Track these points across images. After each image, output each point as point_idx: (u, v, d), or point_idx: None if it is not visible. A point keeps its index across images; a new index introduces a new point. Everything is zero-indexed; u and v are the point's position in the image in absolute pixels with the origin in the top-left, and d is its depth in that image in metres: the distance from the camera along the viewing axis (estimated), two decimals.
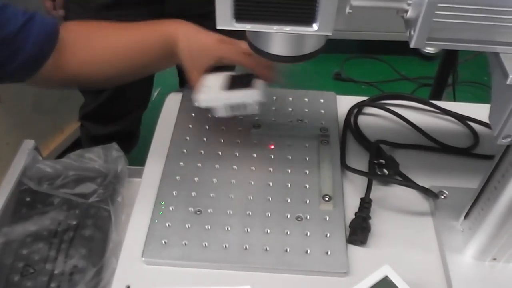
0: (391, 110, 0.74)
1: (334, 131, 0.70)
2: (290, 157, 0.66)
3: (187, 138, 0.69)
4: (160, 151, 0.67)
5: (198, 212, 0.59)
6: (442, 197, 0.61)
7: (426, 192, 0.61)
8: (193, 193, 0.61)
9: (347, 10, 0.44)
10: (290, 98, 0.75)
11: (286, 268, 0.54)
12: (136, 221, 0.59)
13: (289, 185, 0.63)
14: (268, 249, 0.56)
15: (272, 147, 0.68)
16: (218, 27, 0.44)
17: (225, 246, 0.56)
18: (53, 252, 0.60)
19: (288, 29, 0.44)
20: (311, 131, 0.70)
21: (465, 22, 0.41)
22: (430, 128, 0.72)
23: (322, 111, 0.74)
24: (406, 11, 0.43)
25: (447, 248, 0.56)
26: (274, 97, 0.75)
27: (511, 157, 0.48)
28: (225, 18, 0.43)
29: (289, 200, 0.61)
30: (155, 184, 0.63)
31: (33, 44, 0.56)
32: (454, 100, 1.46)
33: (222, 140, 0.68)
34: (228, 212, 0.59)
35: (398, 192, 0.63)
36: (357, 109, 0.75)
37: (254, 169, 0.65)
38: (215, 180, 0.63)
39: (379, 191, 0.63)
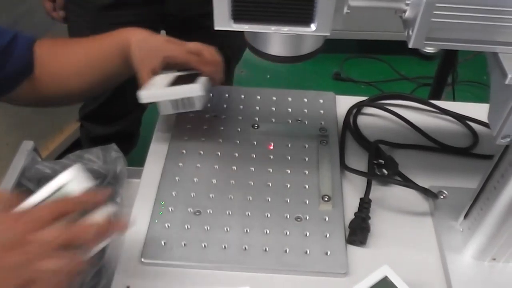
0: (391, 110, 0.74)
1: (333, 131, 0.70)
2: (289, 158, 0.66)
3: (186, 138, 0.69)
4: (160, 151, 0.67)
5: (197, 213, 0.59)
6: (442, 197, 0.61)
7: (426, 192, 0.61)
8: (192, 194, 0.61)
9: (345, 10, 0.44)
10: (289, 99, 0.75)
11: (286, 269, 0.54)
12: (136, 222, 0.59)
13: (289, 185, 0.63)
14: (267, 249, 0.56)
15: (271, 147, 0.68)
16: (216, 28, 0.44)
17: (225, 246, 0.56)
18: None
19: (286, 29, 0.44)
20: (311, 131, 0.70)
21: (464, 22, 0.41)
22: (430, 128, 0.72)
23: (321, 111, 0.74)
24: (404, 11, 0.43)
25: (446, 248, 0.56)
26: (274, 98, 0.75)
27: (510, 157, 0.48)
28: (223, 19, 0.43)
29: (288, 201, 0.61)
30: (154, 185, 0.63)
31: (19, 59, 0.60)
32: (454, 99, 1.46)
33: (221, 141, 0.68)
34: (227, 212, 0.59)
35: (397, 192, 0.63)
36: (356, 109, 0.75)
37: (253, 169, 0.65)
38: (214, 181, 0.63)
39: (378, 191, 0.63)
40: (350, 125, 0.72)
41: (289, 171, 0.64)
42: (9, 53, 0.60)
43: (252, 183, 0.63)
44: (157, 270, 0.55)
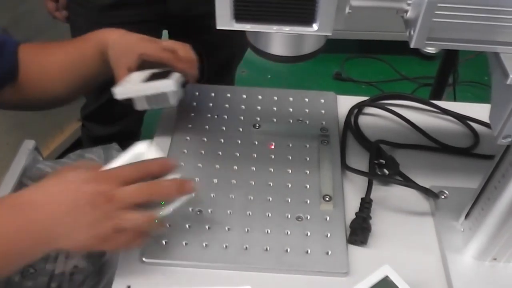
0: (391, 110, 0.74)
1: (334, 131, 0.70)
2: (290, 157, 0.66)
3: (188, 138, 0.69)
4: (161, 151, 0.67)
5: (198, 212, 0.59)
6: (443, 197, 0.61)
7: (427, 192, 0.61)
8: (193, 193, 0.61)
9: (347, 10, 0.44)
10: (291, 98, 0.75)
11: (286, 268, 0.54)
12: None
13: (290, 185, 0.63)
14: (268, 249, 0.56)
15: (273, 147, 0.68)
16: (218, 27, 0.44)
17: (225, 246, 0.56)
18: (53, 252, 0.60)
19: (287, 29, 0.44)
20: (312, 131, 0.70)
21: (465, 22, 0.41)
22: (431, 128, 0.72)
23: (323, 111, 0.74)
24: (406, 11, 0.43)
25: (447, 248, 0.56)
26: (275, 97, 0.75)
27: (511, 157, 0.48)
28: (225, 19, 0.44)
29: (289, 200, 0.61)
30: None
31: (6, 64, 0.61)
32: (455, 100, 1.46)
33: (222, 140, 0.68)
34: (228, 212, 0.59)
35: (398, 192, 0.63)
36: (357, 109, 0.75)
37: (254, 169, 0.65)
38: (215, 180, 0.63)
39: (379, 191, 0.63)
40: (351, 125, 0.72)
41: (290, 171, 0.65)
42: None
43: (253, 183, 0.63)
44: (158, 269, 0.55)
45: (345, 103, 0.75)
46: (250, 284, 0.52)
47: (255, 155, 0.67)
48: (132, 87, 0.60)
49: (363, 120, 0.74)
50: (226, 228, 0.58)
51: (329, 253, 0.55)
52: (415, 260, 0.56)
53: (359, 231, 0.57)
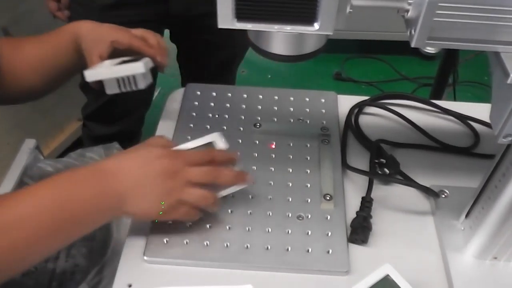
0: (392, 109, 0.74)
1: (335, 131, 0.70)
2: (291, 157, 0.67)
3: (189, 137, 0.69)
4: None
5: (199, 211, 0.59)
6: (443, 196, 0.61)
7: (427, 191, 0.62)
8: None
9: (348, 9, 0.44)
10: (291, 98, 0.76)
11: (287, 267, 0.55)
12: (138, 220, 0.59)
13: (290, 184, 0.63)
14: (269, 248, 0.56)
15: (273, 146, 0.68)
16: (219, 26, 0.44)
17: (227, 245, 0.56)
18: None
19: (289, 28, 0.45)
20: (312, 130, 0.70)
21: (466, 21, 0.41)
22: (431, 127, 0.72)
23: (323, 110, 0.74)
24: (407, 11, 0.44)
25: (448, 247, 0.56)
26: (276, 97, 0.76)
27: None
28: (226, 18, 0.44)
29: (290, 200, 0.61)
30: None
31: None
32: (455, 100, 1.46)
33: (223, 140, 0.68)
34: (229, 211, 0.59)
35: (399, 191, 0.64)
36: (358, 108, 0.75)
37: (255, 168, 0.65)
38: None
39: (380, 190, 0.63)
40: (351, 125, 0.72)
41: (291, 170, 0.65)
42: None
43: (253, 182, 0.63)
44: (159, 268, 0.55)
45: (346, 102, 0.75)
46: (251, 282, 0.52)
47: (256, 155, 0.67)
48: (102, 70, 0.62)
49: (363, 120, 0.74)
50: (227, 227, 0.58)
51: (330, 252, 0.55)
52: (415, 259, 0.56)
53: (359, 230, 0.57)
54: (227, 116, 0.72)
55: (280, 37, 0.48)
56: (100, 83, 0.62)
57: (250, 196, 0.61)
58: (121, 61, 0.63)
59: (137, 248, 0.56)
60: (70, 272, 0.60)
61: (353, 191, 0.63)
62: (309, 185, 0.63)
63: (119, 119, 1.09)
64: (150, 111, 1.16)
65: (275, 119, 0.72)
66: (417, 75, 2.01)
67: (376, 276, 0.50)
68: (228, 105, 0.74)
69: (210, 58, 1.10)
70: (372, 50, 2.10)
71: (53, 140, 1.48)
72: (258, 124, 0.71)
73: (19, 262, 0.47)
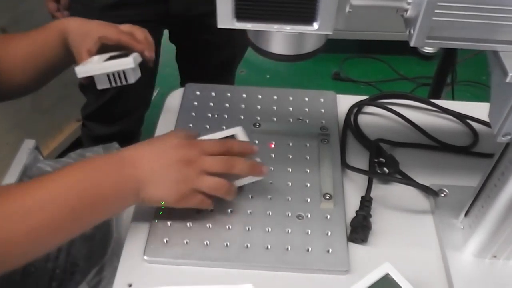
0: (391, 109, 0.74)
1: (334, 130, 0.70)
2: (290, 156, 0.67)
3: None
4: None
5: (199, 211, 0.59)
6: (442, 195, 0.61)
7: (426, 190, 0.62)
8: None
9: (347, 9, 0.44)
10: (290, 98, 0.76)
11: (287, 267, 0.55)
12: (138, 220, 0.59)
13: (290, 184, 0.63)
14: (269, 247, 0.56)
15: (273, 146, 0.68)
16: (219, 26, 0.44)
17: (227, 244, 0.56)
18: (54, 251, 0.61)
19: (288, 28, 0.45)
20: (311, 130, 0.70)
21: (465, 20, 0.41)
22: (430, 126, 0.72)
23: (322, 110, 0.74)
24: (406, 10, 0.44)
25: (447, 246, 0.57)
26: (275, 97, 0.76)
27: (511, 155, 0.48)
28: (226, 18, 0.44)
29: (289, 199, 0.61)
30: None
31: None
32: (453, 99, 1.47)
33: None
34: (229, 210, 0.59)
35: (398, 191, 0.64)
36: (357, 108, 0.75)
37: None
38: None
39: (379, 190, 0.63)
40: (351, 124, 0.73)
41: (290, 170, 0.65)
42: None
43: (253, 182, 0.63)
44: (160, 267, 0.55)
45: (345, 102, 0.75)
46: (251, 282, 0.53)
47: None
48: (93, 66, 0.62)
49: (362, 119, 0.74)
50: (227, 227, 0.58)
51: (330, 251, 0.56)
52: (415, 258, 0.57)
53: (359, 229, 0.57)
54: (226, 116, 0.72)
55: (279, 37, 0.48)
56: (90, 79, 0.63)
57: (250, 196, 0.61)
58: (109, 57, 0.64)
59: (137, 248, 0.56)
60: (70, 272, 0.60)
61: (353, 190, 0.63)
62: (308, 185, 0.63)
63: (118, 119, 1.09)
64: (149, 111, 1.16)
65: (275, 119, 0.72)
66: (416, 75, 2.01)
67: (376, 275, 0.50)
68: (227, 105, 0.74)
69: (210, 58, 1.10)
70: (371, 50, 2.10)
71: (52, 140, 1.48)
72: (258, 124, 0.71)
73: (39, 247, 0.48)
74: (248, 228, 0.58)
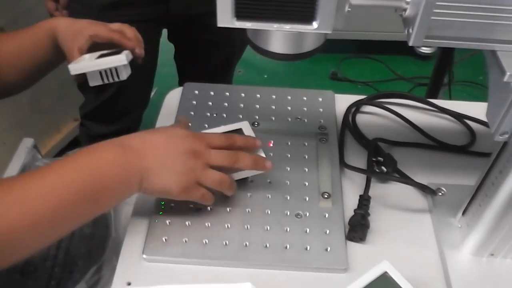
0: (389, 108, 0.75)
1: (333, 130, 0.71)
2: (289, 155, 0.67)
3: None
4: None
5: (198, 210, 0.59)
6: (440, 194, 0.62)
7: (424, 189, 0.62)
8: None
9: (346, 8, 0.44)
10: (289, 97, 0.76)
11: (286, 265, 0.55)
12: (137, 219, 0.59)
13: (288, 182, 0.63)
14: (268, 246, 0.56)
15: (271, 145, 0.68)
16: (219, 25, 0.45)
17: (225, 243, 0.56)
18: (53, 250, 0.61)
19: (288, 27, 0.45)
20: (310, 129, 0.70)
21: (463, 20, 0.42)
22: (428, 126, 0.73)
23: (321, 109, 0.74)
24: (405, 10, 0.44)
25: (445, 244, 0.57)
26: (274, 96, 0.76)
27: (509, 154, 0.48)
28: (225, 16, 0.44)
29: (288, 198, 0.61)
30: None
31: None
32: (450, 99, 1.47)
33: None
34: (227, 209, 0.60)
35: (396, 189, 0.64)
36: (355, 107, 0.75)
37: None
38: None
39: (377, 189, 0.64)
40: (349, 123, 0.73)
41: (289, 169, 0.65)
42: None
43: (252, 180, 0.63)
44: (158, 266, 0.55)
45: (343, 101, 0.76)
46: (250, 280, 0.53)
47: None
48: (86, 63, 0.63)
49: (360, 119, 0.74)
50: (226, 225, 0.58)
51: (328, 249, 0.56)
52: (413, 256, 0.57)
53: (358, 227, 0.58)
54: (225, 115, 0.72)
55: (278, 36, 0.48)
56: (82, 76, 0.63)
57: (249, 195, 0.61)
58: (100, 55, 0.65)
59: (136, 246, 0.56)
60: (69, 271, 0.60)
61: (351, 189, 0.64)
62: (307, 184, 0.63)
63: (117, 118, 1.09)
64: (147, 110, 1.16)
65: (273, 118, 0.72)
66: (413, 75, 2.02)
67: (374, 273, 0.50)
68: (226, 104, 0.74)
69: (209, 57, 1.10)
70: (368, 50, 2.11)
71: (49, 139, 1.48)
72: (256, 123, 0.71)
73: (41, 238, 0.48)
74: (247, 227, 0.58)
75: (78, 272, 0.60)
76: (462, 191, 0.57)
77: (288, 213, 0.59)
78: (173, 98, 0.76)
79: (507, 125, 0.45)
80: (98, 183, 0.50)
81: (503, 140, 0.47)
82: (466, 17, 0.42)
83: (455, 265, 0.55)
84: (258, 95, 0.76)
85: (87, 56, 0.64)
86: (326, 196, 0.61)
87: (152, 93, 1.21)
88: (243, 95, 0.76)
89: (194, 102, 0.74)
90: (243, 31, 0.49)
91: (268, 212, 0.60)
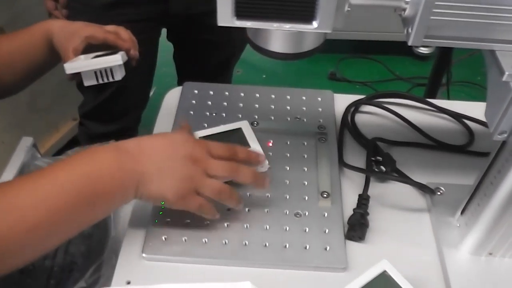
0: (388, 108, 0.75)
1: (332, 129, 0.71)
2: (288, 155, 0.67)
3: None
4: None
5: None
6: (439, 193, 0.62)
7: (423, 188, 0.62)
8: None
9: (346, 8, 0.45)
10: (288, 97, 0.76)
11: (285, 264, 0.55)
12: (136, 218, 0.59)
13: (288, 182, 0.63)
14: (267, 245, 0.56)
15: (271, 144, 0.68)
16: (219, 24, 0.45)
17: (225, 242, 0.56)
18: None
19: (288, 26, 0.45)
20: (309, 129, 0.71)
21: (463, 20, 0.42)
22: (426, 126, 0.73)
23: (320, 109, 0.74)
24: (404, 10, 0.44)
25: (443, 244, 0.57)
26: (273, 96, 0.76)
27: (507, 153, 0.48)
28: (226, 15, 0.44)
29: (287, 197, 0.61)
30: None
31: None
32: (448, 99, 1.47)
33: None
34: (227, 208, 0.60)
35: (395, 189, 0.64)
36: (354, 107, 0.75)
37: None
38: None
39: (376, 188, 0.64)
40: (348, 123, 0.73)
41: (288, 168, 0.65)
42: None
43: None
44: (158, 265, 0.55)
45: (342, 101, 0.76)
46: (250, 279, 0.53)
47: None
48: (82, 63, 0.64)
49: (359, 118, 0.74)
50: (225, 224, 0.58)
51: (328, 248, 0.56)
52: (412, 255, 0.57)
53: (357, 227, 0.58)
54: (224, 114, 0.72)
55: (278, 35, 0.48)
56: (77, 75, 0.64)
57: (248, 194, 0.61)
58: (94, 56, 0.65)
59: (136, 245, 0.56)
60: (68, 270, 0.60)
61: (350, 188, 0.64)
62: (306, 183, 0.63)
63: (116, 118, 1.09)
64: (146, 110, 1.16)
65: (272, 118, 0.72)
66: (411, 75, 2.02)
67: (373, 272, 0.51)
68: (225, 103, 0.74)
69: (209, 57, 1.11)
70: (367, 50, 2.11)
71: (48, 139, 1.48)
72: (256, 123, 0.71)
73: (37, 246, 0.47)
74: (246, 226, 0.58)
75: (77, 271, 0.60)
76: (461, 190, 0.57)
77: (288, 212, 0.60)
78: (172, 97, 0.76)
79: (505, 124, 0.45)
80: (94, 188, 0.49)
81: (501, 139, 0.47)
82: (465, 16, 0.42)
83: (454, 264, 0.55)
84: (258, 95, 0.76)
85: (82, 57, 0.65)
86: (325, 195, 0.61)
87: (151, 93, 1.21)
88: (242, 94, 0.76)
89: (194, 102, 0.74)
90: (243, 30, 0.49)
91: (267, 211, 0.60)
